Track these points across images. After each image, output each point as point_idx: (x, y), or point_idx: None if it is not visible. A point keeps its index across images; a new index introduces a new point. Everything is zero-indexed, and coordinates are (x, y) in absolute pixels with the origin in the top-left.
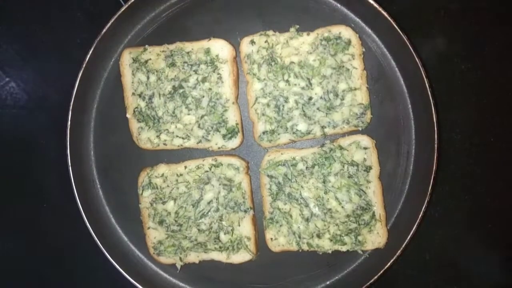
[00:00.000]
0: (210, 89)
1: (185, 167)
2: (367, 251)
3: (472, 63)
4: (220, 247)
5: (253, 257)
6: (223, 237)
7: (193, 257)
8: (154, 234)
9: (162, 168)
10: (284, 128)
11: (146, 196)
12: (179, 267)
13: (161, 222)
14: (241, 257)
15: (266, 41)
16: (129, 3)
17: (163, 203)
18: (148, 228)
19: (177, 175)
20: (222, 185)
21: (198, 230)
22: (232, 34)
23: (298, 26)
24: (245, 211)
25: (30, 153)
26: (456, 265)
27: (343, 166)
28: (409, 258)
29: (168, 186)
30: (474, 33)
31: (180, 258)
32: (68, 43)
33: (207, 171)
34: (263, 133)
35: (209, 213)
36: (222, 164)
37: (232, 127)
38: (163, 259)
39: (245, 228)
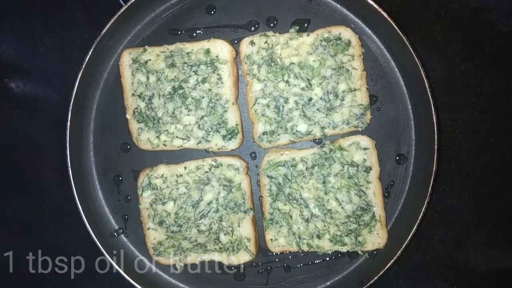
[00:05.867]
0: (210, 89)
1: (185, 167)
2: (367, 252)
3: (472, 63)
4: (220, 248)
5: (253, 258)
6: (223, 237)
7: (193, 258)
8: (154, 235)
9: (162, 169)
10: (284, 129)
11: (145, 197)
12: (179, 268)
13: (161, 223)
14: (241, 257)
15: (266, 42)
16: (129, 3)
17: (163, 203)
18: (148, 228)
19: (177, 175)
20: (222, 186)
21: (198, 230)
22: (232, 35)
23: (298, 27)
24: (245, 212)
25: (30, 153)
26: (456, 265)
27: (343, 167)
28: (409, 259)
29: (168, 186)
30: (473, 34)
31: (180, 259)
32: (68, 43)
33: (207, 172)
34: (263, 134)
35: (209, 213)
36: (222, 165)
37: (232, 127)
38: (163, 260)
39: (245, 229)
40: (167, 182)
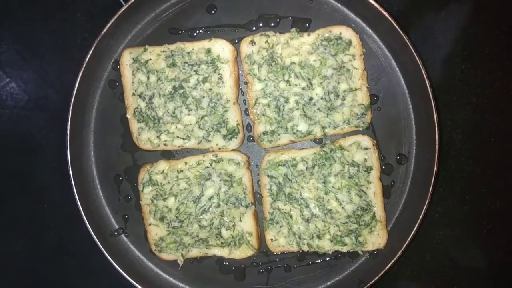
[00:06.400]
0: (210, 89)
1: (186, 163)
2: (367, 252)
3: (472, 63)
4: (222, 243)
5: (255, 252)
6: (225, 232)
7: (195, 253)
8: (155, 231)
9: (162, 165)
10: (284, 129)
11: (146, 193)
12: (180, 263)
13: (162, 219)
14: (243, 252)
15: (266, 42)
16: (129, 3)
17: (164, 199)
18: (150, 224)
19: (177, 171)
20: (223, 181)
21: (199, 226)
22: (233, 34)
23: (298, 27)
24: (247, 206)
25: (30, 153)
26: (456, 265)
27: (344, 167)
28: (409, 259)
29: (168, 182)
30: (474, 33)
31: (182, 255)
32: (68, 43)
33: (207, 167)
34: (264, 133)
35: (210, 209)
36: (222, 160)
37: (233, 127)
38: (165, 256)
39: (247, 224)
40: (168, 177)
